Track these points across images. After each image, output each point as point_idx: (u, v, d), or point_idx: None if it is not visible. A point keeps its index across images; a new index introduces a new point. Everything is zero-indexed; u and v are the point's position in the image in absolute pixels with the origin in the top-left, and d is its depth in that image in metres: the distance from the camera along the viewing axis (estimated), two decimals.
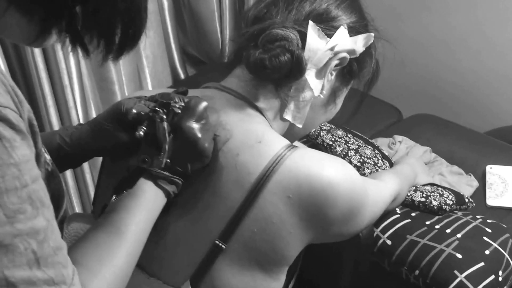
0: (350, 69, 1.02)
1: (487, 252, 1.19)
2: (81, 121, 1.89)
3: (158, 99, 0.89)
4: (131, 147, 0.88)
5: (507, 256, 1.20)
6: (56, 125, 1.81)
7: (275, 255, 0.89)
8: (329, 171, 0.88)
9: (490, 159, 1.61)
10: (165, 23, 2.28)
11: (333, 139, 1.53)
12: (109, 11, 0.63)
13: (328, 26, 0.96)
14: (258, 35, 0.94)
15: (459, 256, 1.18)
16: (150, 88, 2.25)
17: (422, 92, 2.25)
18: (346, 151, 1.49)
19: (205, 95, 0.96)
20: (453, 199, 1.33)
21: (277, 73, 0.91)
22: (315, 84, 0.97)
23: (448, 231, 1.24)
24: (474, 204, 1.37)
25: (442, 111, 1.93)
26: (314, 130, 1.55)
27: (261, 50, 0.92)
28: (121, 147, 0.90)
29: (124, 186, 0.83)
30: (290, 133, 1.03)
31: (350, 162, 1.46)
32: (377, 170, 1.43)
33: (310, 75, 0.96)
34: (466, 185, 1.50)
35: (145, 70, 2.23)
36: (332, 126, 1.60)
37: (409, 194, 1.34)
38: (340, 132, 1.57)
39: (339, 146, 1.51)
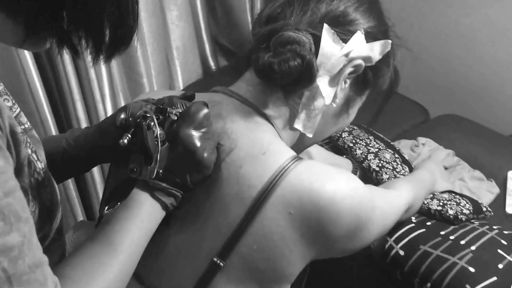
0: (364, 78, 0.97)
1: (500, 266, 1.17)
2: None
3: (157, 104, 0.86)
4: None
5: None
6: (83, 119, 1.82)
7: (275, 273, 0.87)
8: (332, 186, 0.83)
9: None
10: (196, 13, 2.24)
11: (354, 141, 1.52)
12: (95, 11, 0.61)
13: (344, 30, 0.91)
14: (269, 37, 0.90)
15: (471, 269, 1.16)
16: (180, 80, 2.24)
17: (450, 91, 2.20)
18: (365, 154, 1.48)
19: (212, 100, 0.93)
20: (470, 208, 1.31)
21: (285, 78, 0.87)
22: (327, 92, 0.93)
23: (462, 242, 1.22)
24: (492, 213, 1.35)
25: (470, 112, 1.90)
26: None
27: (271, 53, 0.88)
28: (124, 152, 0.86)
29: (114, 197, 0.80)
30: (300, 143, 1.00)
31: (369, 166, 1.45)
32: (395, 176, 1.42)
33: (322, 82, 0.92)
34: (487, 191, 1.48)
35: (175, 61, 2.20)
36: (354, 127, 1.59)
37: (425, 202, 1.32)
38: (361, 134, 1.55)
39: (359, 149, 1.50)
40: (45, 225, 0.77)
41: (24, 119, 0.83)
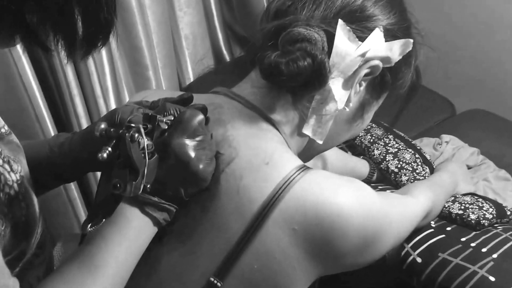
0: (382, 80, 0.89)
1: None
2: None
3: (152, 106, 0.80)
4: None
5: None
6: (83, 116, 1.71)
7: None
8: (340, 199, 0.77)
9: None
10: None
11: (371, 140, 1.46)
12: (60, 2, 0.56)
13: (360, 27, 0.83)
14: (277, 33, 0.82)
15: (492, 279, 1.09)
16: (190, 72, 2.11)
17: (478, 85, 2.10)
18: (384, 155, 1.42)
19: (212, 102, 0.87)
20: (494, 212, 1.24)
21: (294, 81, 0.80)
22: (340, 96, 0.85)
23: (484, 250, 1.16)
24: None
25: (498, 106, 1.81)
26: None
27: (279, 52, 0.80)
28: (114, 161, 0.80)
29: (98, 213, 0.74)
30: (308, 149, 0.93)
31: (387, 168, 1.39)
32: (415, 177, 1.36)
33: (335, 85, 0.84)
34: None
35: (185, 52, 2.07)
36: (373, 125, 1.52)
37: (446, 205, 1.26)
38: (380, 132, 1.49)
39: (377, 149, 1.43)
40: (21, 242, 0.73)
41: (0, 122, 0.78)
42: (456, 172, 1.33)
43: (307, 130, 0.88)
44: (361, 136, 1.48)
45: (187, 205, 0.79)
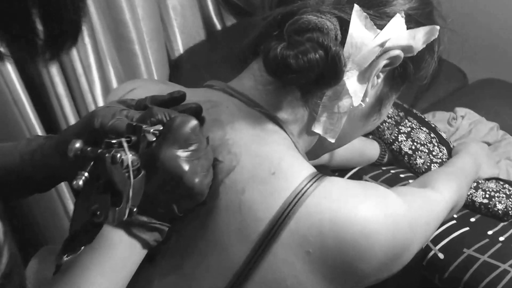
0: (403, 72, 0.78)
1: None
2: (99, 88, 1.66)
3: (136, 108, 0.68)
4: None
5: None
6: (64, 96, 1.55)
7: None
8: (362, 213, 0.66)
9: None
10: None
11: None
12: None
13: (378, 13, 0.72)
14: (283, 22, 0.71)
15: None
16: (179, 44, 1.99)
17: (491, 51, 1.97)
18: (396, 135, 1.29)
19: (208, 100, 0.75)
20: None
21: (304, 77, 0.68)
22: (356, 90, 0.73)
23: None
24: None
25: None
26: None
27: (285, 43, 0.69)
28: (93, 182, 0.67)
29: (76, 241, 0.63)
30: (318, 148, 0.81)
31: (400, 149, 1.26)
32: (431, 160, 1.23)
33: (350, 78, 0.73)
34: None
35: (173, 23, 1.96)
36: None
37: (469, 193, 1.14)
38: (391, 110, 1.35)
39: (388, 129, 1.30)
40: None
41: None
42: (479, 155, 1.21)
43: (318, 128, 0.76)
44: None
45: (182, 220, 0.68)
